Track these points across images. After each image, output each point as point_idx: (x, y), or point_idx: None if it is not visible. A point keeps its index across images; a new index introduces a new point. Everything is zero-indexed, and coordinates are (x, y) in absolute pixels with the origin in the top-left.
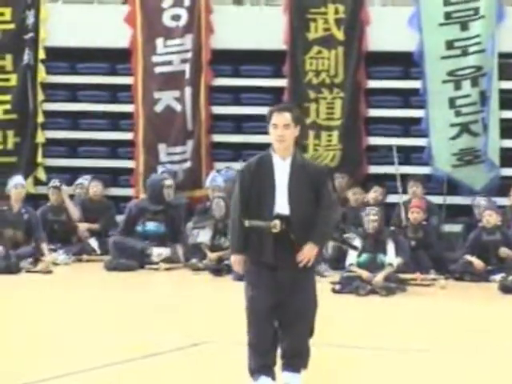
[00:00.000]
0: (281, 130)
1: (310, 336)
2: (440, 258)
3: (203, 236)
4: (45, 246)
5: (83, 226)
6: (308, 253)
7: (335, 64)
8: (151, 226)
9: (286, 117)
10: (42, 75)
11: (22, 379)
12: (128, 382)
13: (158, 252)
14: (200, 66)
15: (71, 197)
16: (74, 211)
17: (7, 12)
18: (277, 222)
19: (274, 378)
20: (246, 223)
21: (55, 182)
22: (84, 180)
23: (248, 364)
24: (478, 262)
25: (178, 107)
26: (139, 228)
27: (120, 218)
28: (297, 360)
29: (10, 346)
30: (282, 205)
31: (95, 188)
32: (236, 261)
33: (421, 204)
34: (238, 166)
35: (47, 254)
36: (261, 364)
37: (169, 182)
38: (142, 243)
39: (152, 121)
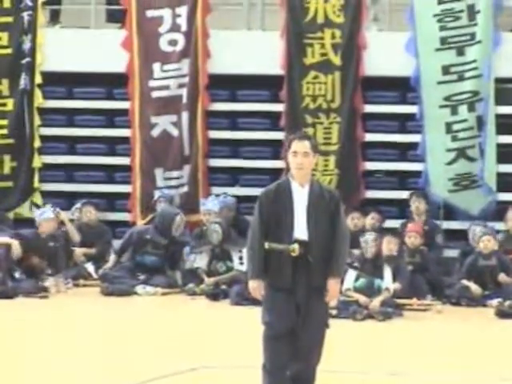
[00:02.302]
0: (300, 158)
1: (318, 362)
2: (437, 283)
3: (200, 261)
4: (59, 278)
5: (79, 251)
6: (334, 291)
7: (332, 89)
8: (151, 259)
9: (306, 145)
10: (39, 100)
11: None
12: None
13: (141, 292)
14: (197, 90)
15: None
16: (75, 235)
17: (4, 37)
18: (295, 246)
19: None
20: (266, 245)
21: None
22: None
23: None
24: (475, 288)
25: (174, 132)
26: (138, 258)
27: (116, 243)
28: None
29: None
30: (300, 230)
31: (88, 213)
32: (255, 287)
33: (418, 228)
34: (234, 190)
35: (61, 287)
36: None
37: (180, 219)
38: (129, 281)
39: (149, 145)
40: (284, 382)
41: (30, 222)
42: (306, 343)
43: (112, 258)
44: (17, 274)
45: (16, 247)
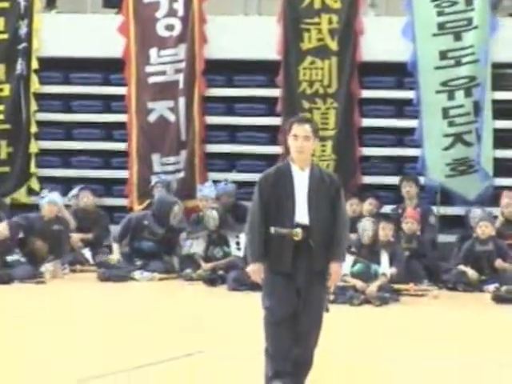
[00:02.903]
0: (301, 142)
1: (316, 346)
2: (433, 268)
3: (197, 247)
4: (58, 264)
5: (76, 237)
6: (336, 275)
7: (329, 74)
8: (148, 244)
9: (306, 128)
10: (35, 85)
11: None
12: None
13: (138, 277)
14: (193, 75)
15: (66, 207)
16: (70, 220)
17: (0, 22)
18: (299, 230)
19: None
20: (272, 230)
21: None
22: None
23: (265, 372)
24: (472, 273)
25: (171, 117)
26: (136, 244)
27: (114, 228)
28: (306, 369)
29: None
30: (301, 214)
31: (85, 198)
32: (255, 270)
33: (415, 214)
34: (231, 176)
35: (58, 273)
36: (277, 370)
37: (178, 208)
38: (126, 266)
39: (145, 131)
40: (287, 367)
41: (26, 208)
42: (305, 327)
43: (115, 247)
44: (11, 257)
45: (2, 228)
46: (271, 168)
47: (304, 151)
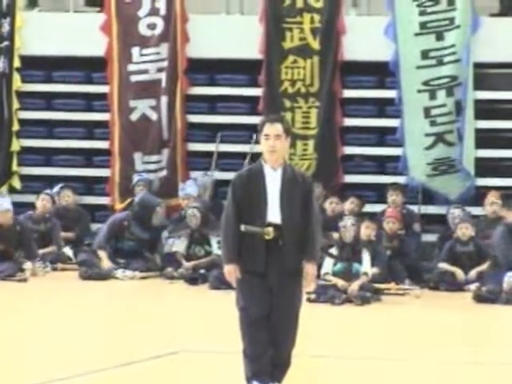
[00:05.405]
0: (273, 141)
1: (293, 347)
2: (415, 268)
3: (178, 245)
4: (36, 263)
5: None
6: (311, 275)
7: (311, 73)
8: (129, 244)
9: (278, 128)
10: (18, 83)
11: None
12: None
13: (120, 275)
14: (176, 74)
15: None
16: None
17: None
18: (270, 229)
19: None
20: (242, 227)
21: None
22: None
23: (244, 372)
24: (459, 272)
25: (153, 116)
26: (118, 244)
27: (95, 227)
28: (283, 370)
29: None
30: (273, 214)
31: (66, 197)
32: (230, 271)
33: (396, 214)
34: (215, 174)
35: (37, 272)
36: (255, 369)
37: (160, 208)
38: (106, 269)
39: (128, 129)
40: (265, 367)
41: None
42: (280, 328)
43: (102, 254)
44: None
45: None
46: (244, 168)
47: (276, 150)
